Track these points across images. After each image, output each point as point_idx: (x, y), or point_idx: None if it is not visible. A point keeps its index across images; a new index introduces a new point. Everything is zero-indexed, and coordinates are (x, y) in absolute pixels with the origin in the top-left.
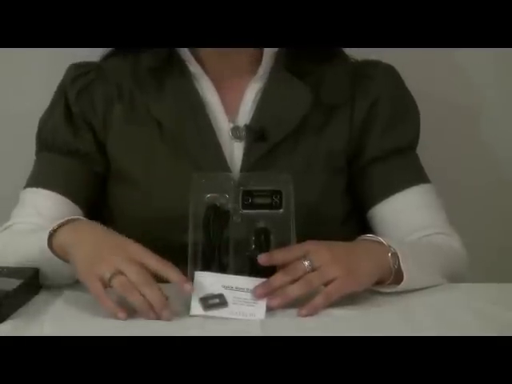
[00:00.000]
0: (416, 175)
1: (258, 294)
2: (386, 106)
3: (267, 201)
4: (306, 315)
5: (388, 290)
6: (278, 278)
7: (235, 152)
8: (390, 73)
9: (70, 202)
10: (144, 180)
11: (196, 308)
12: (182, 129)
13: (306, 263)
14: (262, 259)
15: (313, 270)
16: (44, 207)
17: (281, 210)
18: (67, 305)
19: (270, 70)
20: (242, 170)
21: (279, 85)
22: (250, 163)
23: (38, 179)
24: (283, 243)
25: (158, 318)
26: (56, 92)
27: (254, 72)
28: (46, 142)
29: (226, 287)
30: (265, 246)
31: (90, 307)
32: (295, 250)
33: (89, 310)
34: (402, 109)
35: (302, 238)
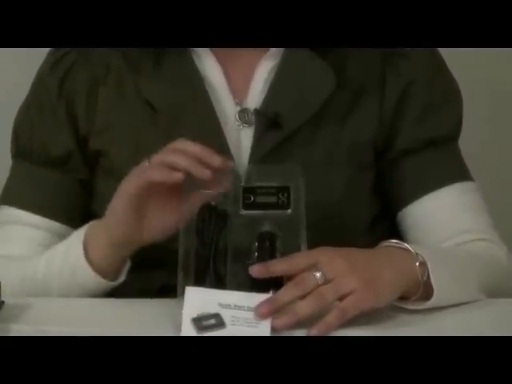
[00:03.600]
0: (456, 171)
1: (260, 312)
2: (423, 90)
3: (273, 199)
4: (316, 335)
5: (415, 307)
6: (284, 293)
7: (243, 141)
8: (429, 51)
9: (61, 225)
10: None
11: (188, 330)
12: (179, 113)
13: (318, 274)
14: (255, 270)
15: (325, 282)
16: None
17: (289, 211)
18: (34, 322)
19: None
20: (249, 164)
21: (296, 62)
22: (260, 155)
23: (18, 196)
24: (292, 251)
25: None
26: (32, 84)
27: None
28: (21, 149)
29: (222, 305)
30: (269, 255)
31: (64, 324)
32: (301, 258)
33: (62, 327)
34: (442, 94)
35: (317, 246)
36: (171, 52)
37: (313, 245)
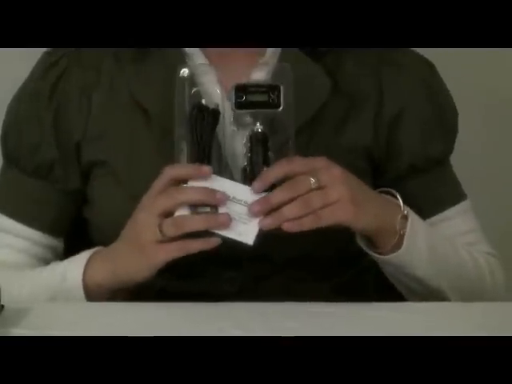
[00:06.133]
0: (456, 190)
1: (253, 210)
2: (423, 109)
3: (264, 98)
4: (289, 229)
5: (379, 256)
6: (277, 194)
7: (238, 146)
8: (426, 64)
9: (43, 234)
10: (127, 177)
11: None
12: (171, 116)
13: (313, 180)
14: (256, 187)
15: (318, 188)
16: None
17: (280, 109)
18: (34, 326)
19: (281, 51)
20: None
21: (292, 67)
22: None
23: (2, 202)
24: (281, 150)
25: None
26: (24, 86)
27: (261, 52)
28: (10, 154)
29: None
30: (263, 157)
31: (64, 328)
32: (299, 163)
33: (63, 331)
34: (442, 111)
35: (315, 256)
36: (164, 56)
37: (307, 252)
